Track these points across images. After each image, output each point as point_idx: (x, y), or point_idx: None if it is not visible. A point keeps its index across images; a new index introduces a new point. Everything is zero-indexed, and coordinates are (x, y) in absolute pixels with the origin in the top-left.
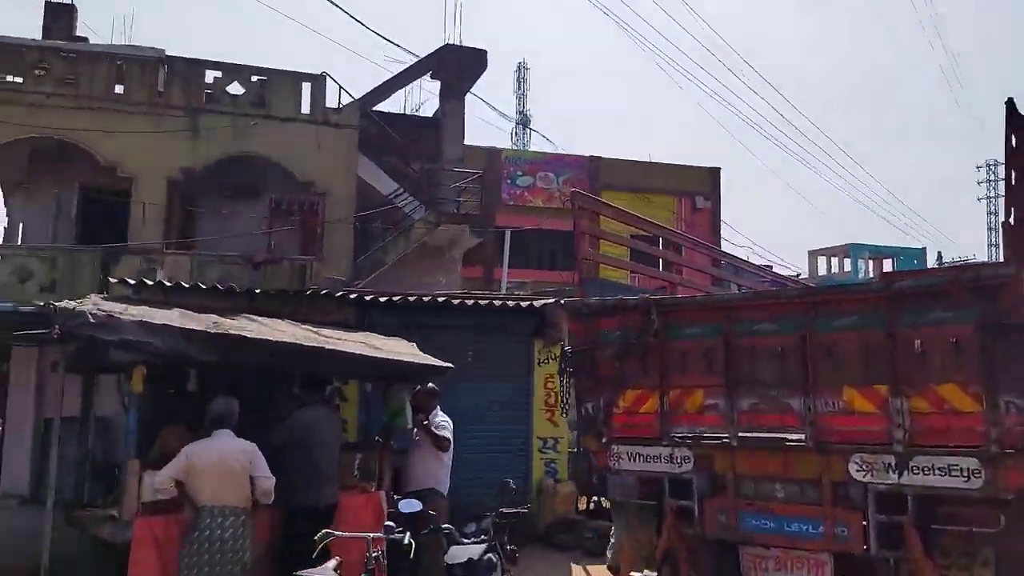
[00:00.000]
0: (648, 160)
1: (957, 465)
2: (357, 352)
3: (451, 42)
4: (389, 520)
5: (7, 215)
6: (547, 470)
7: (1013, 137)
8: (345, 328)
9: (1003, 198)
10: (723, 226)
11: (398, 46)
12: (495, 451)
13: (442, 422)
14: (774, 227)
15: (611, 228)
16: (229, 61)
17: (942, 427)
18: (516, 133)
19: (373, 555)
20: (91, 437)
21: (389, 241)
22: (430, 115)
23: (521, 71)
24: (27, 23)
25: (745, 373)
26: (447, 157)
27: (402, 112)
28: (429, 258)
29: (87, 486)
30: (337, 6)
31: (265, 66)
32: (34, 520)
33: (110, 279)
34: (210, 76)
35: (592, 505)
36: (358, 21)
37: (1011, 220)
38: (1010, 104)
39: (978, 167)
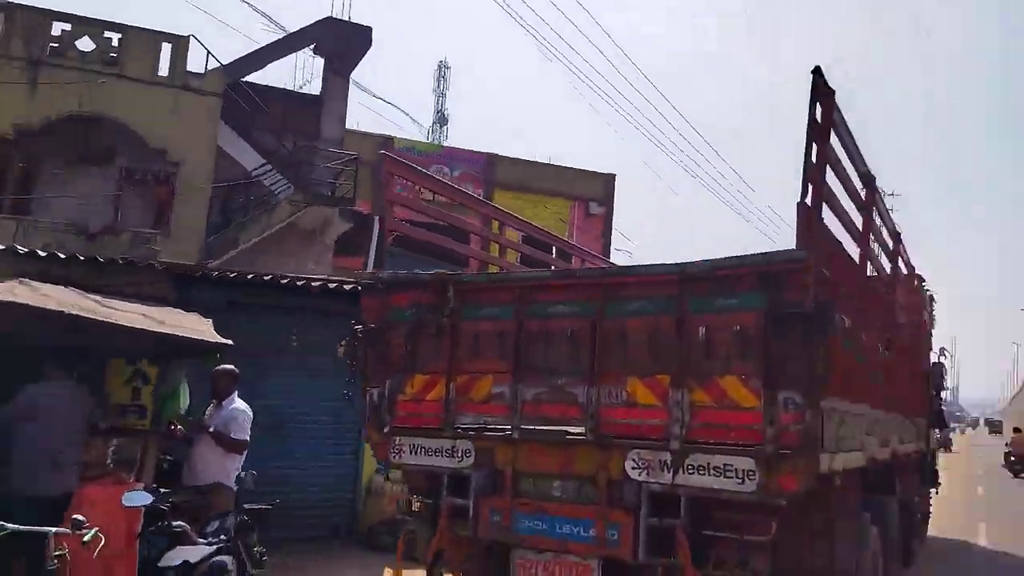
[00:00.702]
0: (545, 162)
1: (732, 466)
2: (111, 321)
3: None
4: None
5: None
6: (378, 467)
7: (818, 107)
8: (159, 304)
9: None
10: (615, 234)
11: (271, 20)
12: (323, 445)
13: (237, 411)
14: (681, 242)
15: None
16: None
17: (721, 423)
18: (432, 131)
19: (56, 553)
20: None
21: (248, 219)
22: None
23: (442, 70)
24: None
25: (535, 360)
26: (326, 137)
27: (284, 88)
28: (298, 243)
29: None
30: None
31: (121, 22)
32: None
33: None
34: (57, 28)
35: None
36: None
37: (807, 200)
38: (817, 72)
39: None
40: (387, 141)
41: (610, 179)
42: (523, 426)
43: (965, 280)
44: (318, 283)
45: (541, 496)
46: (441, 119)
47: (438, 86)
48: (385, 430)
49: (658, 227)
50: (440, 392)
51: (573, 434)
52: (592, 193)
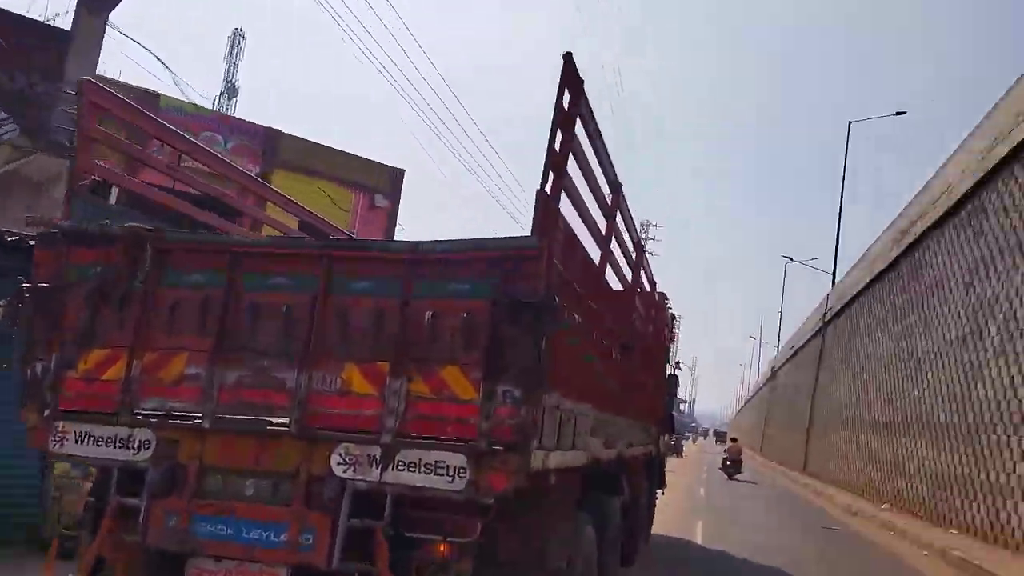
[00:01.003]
0: (332, 147)
1: (444, 462)
2: None
3: None
4: None
5: None
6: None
7: (567, 93)
8: None
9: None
10: (398, 229)
11: None
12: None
13: None
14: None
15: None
16: None
17: (437, 416)
18: (219, 102)
19: None
20: None
21: None
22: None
23: (236, 38)
24: None
25: (241, 338)
26: (71, 80)
27: (26, 16)
28: (24, 195)
29: None
30: None
31: None
32: None
33: None
34: None
35: None
36: None
37: (547, 188)
38: (568, 58)
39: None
40: (152, 98)
41: (399, 173)
42: (218, 414)
43: (714, 308)
44: (13, 239)
45: (232, 496)
46: (231, 90)
47: (231, 55)
48: (46, 413)
49: (446, 227)
50: (120, 370)
51: (275, 424)
52: (379, 185)
